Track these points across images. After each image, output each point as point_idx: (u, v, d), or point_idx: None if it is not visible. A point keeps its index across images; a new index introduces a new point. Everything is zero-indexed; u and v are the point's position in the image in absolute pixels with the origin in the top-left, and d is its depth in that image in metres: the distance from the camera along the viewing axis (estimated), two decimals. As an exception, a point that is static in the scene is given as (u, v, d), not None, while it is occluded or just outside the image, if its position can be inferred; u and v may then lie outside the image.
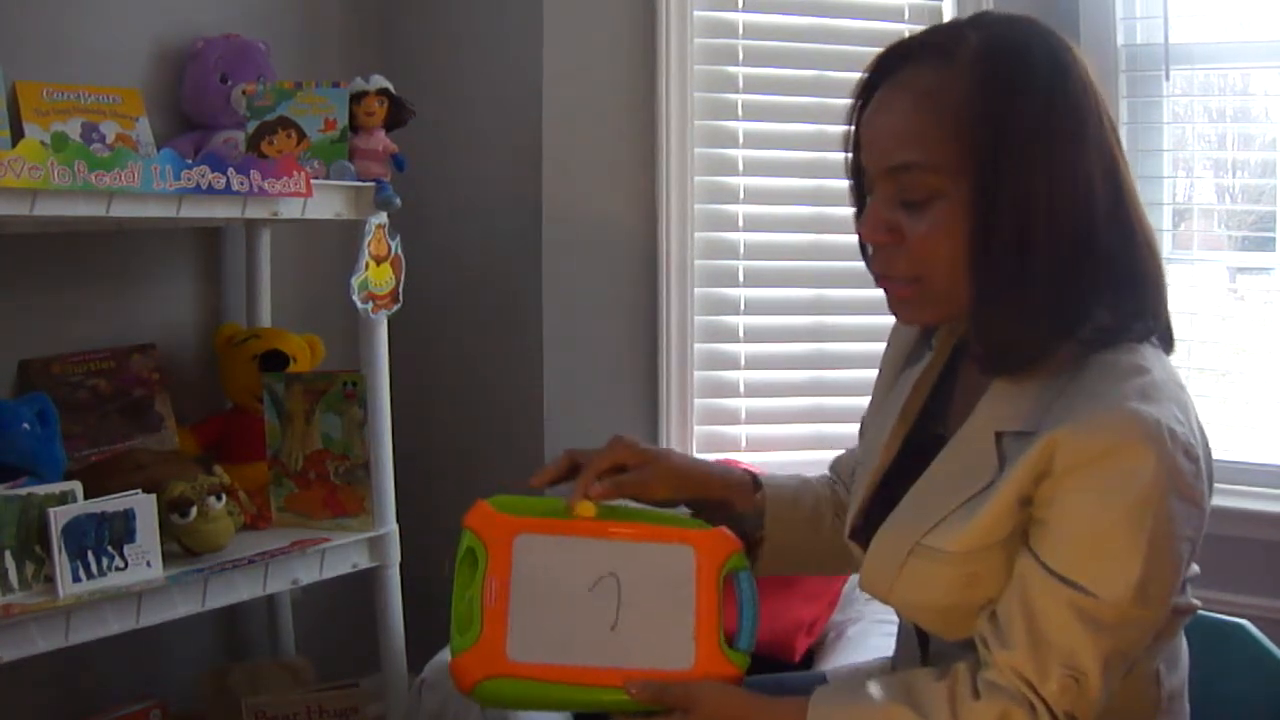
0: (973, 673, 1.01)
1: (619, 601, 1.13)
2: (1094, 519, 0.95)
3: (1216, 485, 1.04)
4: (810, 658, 1.95)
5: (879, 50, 1.07)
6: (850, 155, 1.10)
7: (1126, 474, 0.94)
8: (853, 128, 1.09)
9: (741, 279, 2.29)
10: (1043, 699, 0.97)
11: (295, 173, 1.69)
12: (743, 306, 2.30)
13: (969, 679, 1.01)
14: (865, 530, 1.13)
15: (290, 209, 1.71)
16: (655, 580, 1.14)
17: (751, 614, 1.14)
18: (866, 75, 1.07)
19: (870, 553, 1.10)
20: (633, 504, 1.22)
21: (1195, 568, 1.08)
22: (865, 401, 1.28)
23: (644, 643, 1.12)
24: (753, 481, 1.29)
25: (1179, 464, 0.95)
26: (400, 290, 1.87)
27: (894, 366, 1.23)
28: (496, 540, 1.13)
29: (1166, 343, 1.07)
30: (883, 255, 1.06)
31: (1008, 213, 0.98)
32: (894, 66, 1.04)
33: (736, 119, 2.27)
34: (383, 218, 1.83)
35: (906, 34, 1.08)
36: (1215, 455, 1.03)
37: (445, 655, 1.79)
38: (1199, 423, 1.01)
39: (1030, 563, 0.98)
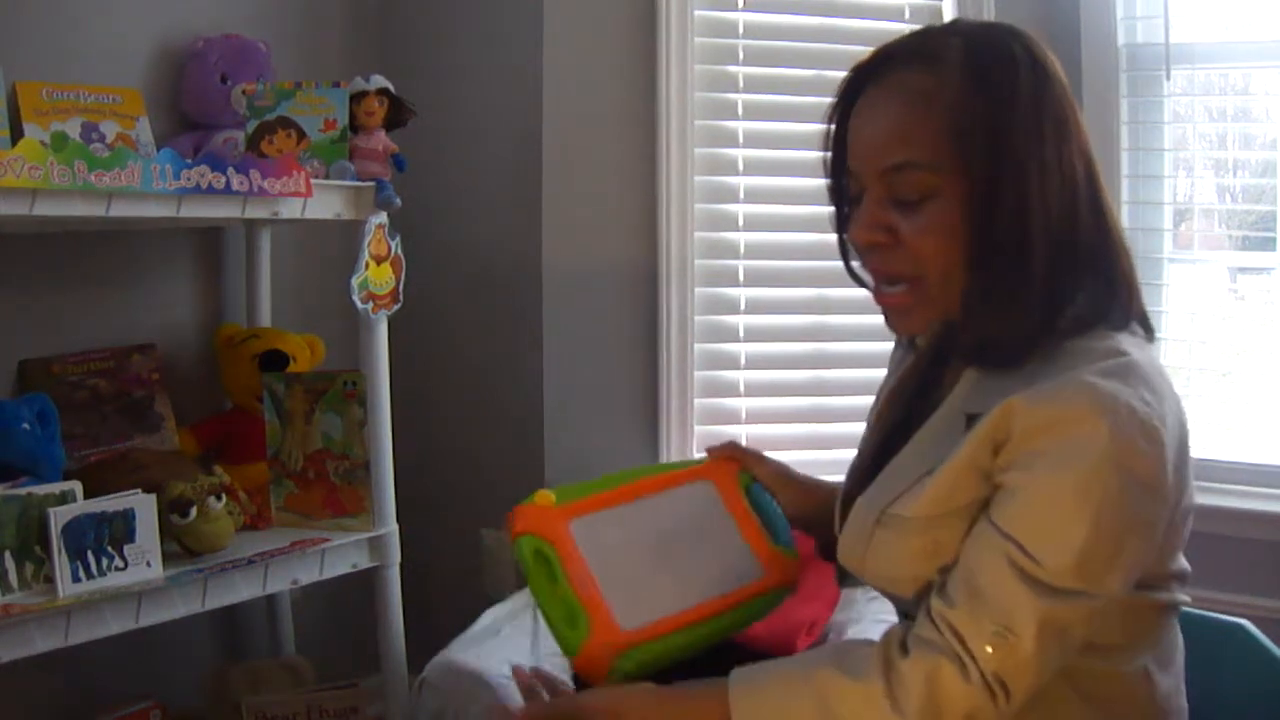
0: (905, 632, 1.02)
1: (681, 550, 1.19)
2: (1044, 486, 0.96)
3: (1218, 485, 1.04)
4: (810, 658, 1.95)
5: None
6: (830, 155, 1.12)
7: (1078, 443, 0.94)
8: (833, 127, 1.11)
9: (741, 279, 2.29)
10: (973, 657, 0.96)
11: (295, 172, 1.69)
12: (743, 306, 2.30)
13: (899, 638, 1.01)
14: None
15: (290, 209, 1.71)
16: (695, 518, 1.21)
17: (777, 513, 1.25)
18: (850, 78, 1.09)
19: (845, 527, 1.12)
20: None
21: (1184, 564, 1.08)
22: (865, 401, 1.29)
23: (717, 571, 1.18)
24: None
25: (1134, 443, 0.95)
26: (400, 290, 1.87)
27: (892, 374, 1.25)
28: (558, 534, 1.15)
29: (1147, 332, 1.08)
30: (877, 256, 1.07)
31: (1005, 209, 1.00)
32: (879, 70, 1.06)
33: (736, 119, 2.27)
34: (383, 218, 1.83)
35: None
36: (1216, 456, 1.03)
37: (445, 655, 1.81)
38: (1179, 413, 1.02)
39: (982, 525, 0.99)
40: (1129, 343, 1.02)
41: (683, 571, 1.17)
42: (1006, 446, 0.97)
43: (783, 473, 1.29)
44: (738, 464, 1.27)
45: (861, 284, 1.14)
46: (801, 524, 1.27)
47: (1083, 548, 0.94)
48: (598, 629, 1.09)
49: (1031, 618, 0.95)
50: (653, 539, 1.19)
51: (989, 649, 0.95)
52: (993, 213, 1.00)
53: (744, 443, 2.28)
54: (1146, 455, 0.96)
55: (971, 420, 1.02)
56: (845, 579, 1.30)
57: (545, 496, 1.18)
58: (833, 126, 1.11)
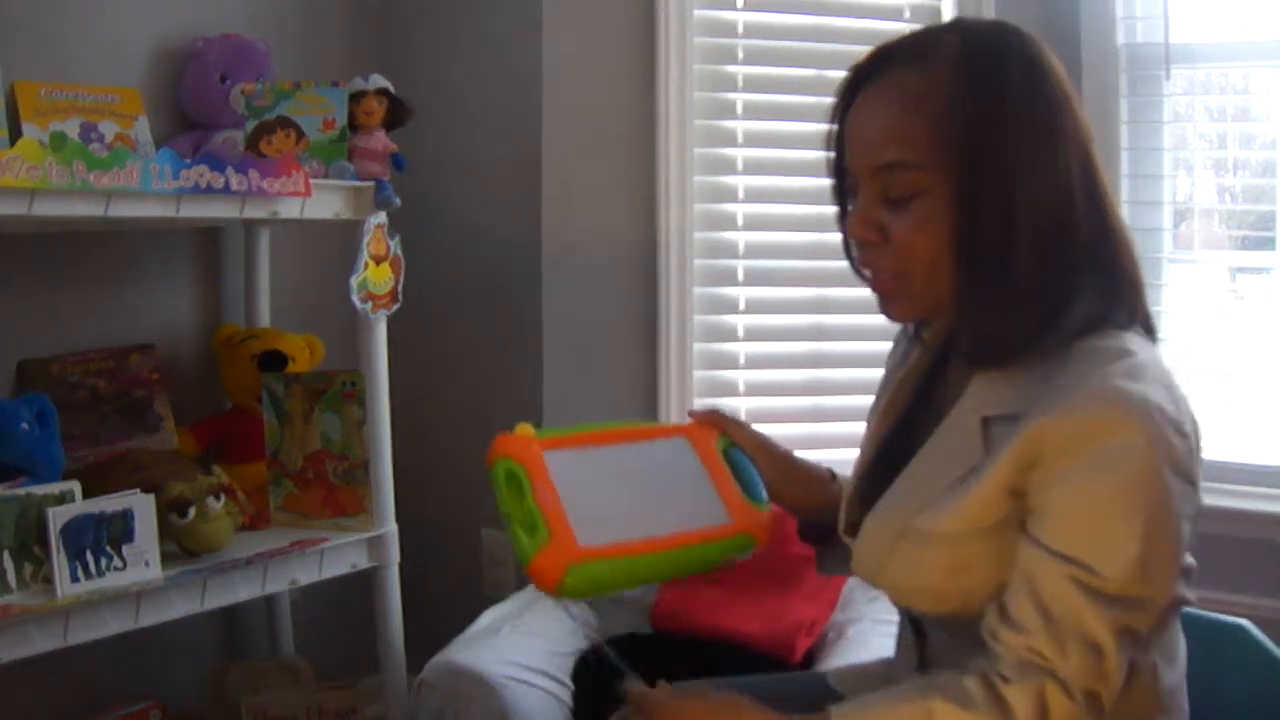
0: (995, 665, 1.00)
1: (649, 489, 1.21)
2: (1089, 497, 0.96)
3: (1218, 485, 1.04)
4: (810, 658, 1.95)
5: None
6: (833, 155, 1.12)
7: (1117, 450, 0.94)
8: (834, 128, 1.11)
9: (741, 278, 2.29)
10: (1067, 677, 0.97)
11: (294, 172, 1.69)
12: (742, 306, 2.30)
13: (995, 669, 1.00)
14: (858, 525, 1.14)
15: (289, 209, 1.71)
16: (669, 468, 1.24)
17: (752, 474, 1.26)
18: (849, 77, 1.09)
19: (861, 537, 1.12)
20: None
21: (1191, 560, 1.08)
22: (865, 401, 1.29)
23: (683, 509, 1.20)
24: (830, 475, 1.32)
25: (1170, 440, 0.96)
26: (399, 290, 1.87)
27: (893, 372, 1.24)
28: (531, 458, 1.18)
29: (1150, 332, 1.08)
30: (868, 253, 1.08)
31: (991, 208, 1.00)
32: (876, 69, 1.07)
33: (736, 118, 2.27)
34: (382, 217, 1.83)
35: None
36: (1216, 456, 1.04)
37: (445, 655, 1.81)
38: (1188, 405, 1.02)
39: (1031, 549, 0.99)
40: (1135, 342, 1.02)
41: (648, 505, 1.19)
42: (1040, 466, 0.97)
43: (763, 442, 1.28)
44: (718, 428, 1.28)
45: (865, 280, 1.14)
46: (780, 497, 1.26)
47: (1140, 553, 0.94)
48: (555, 541, 1.12)
49: (1109, 631, 0.96)
50: (623, 476, 1.22)
51: (1078, 667, 0.96)
52: (978, 212, 1.00)
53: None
54: (1182, 450, 0.97)
55: (987, 424, 1.02)
56: (823, 564, 1.30)
57: (525, 429, 1.22)
58: (834, 127, 1.12)
